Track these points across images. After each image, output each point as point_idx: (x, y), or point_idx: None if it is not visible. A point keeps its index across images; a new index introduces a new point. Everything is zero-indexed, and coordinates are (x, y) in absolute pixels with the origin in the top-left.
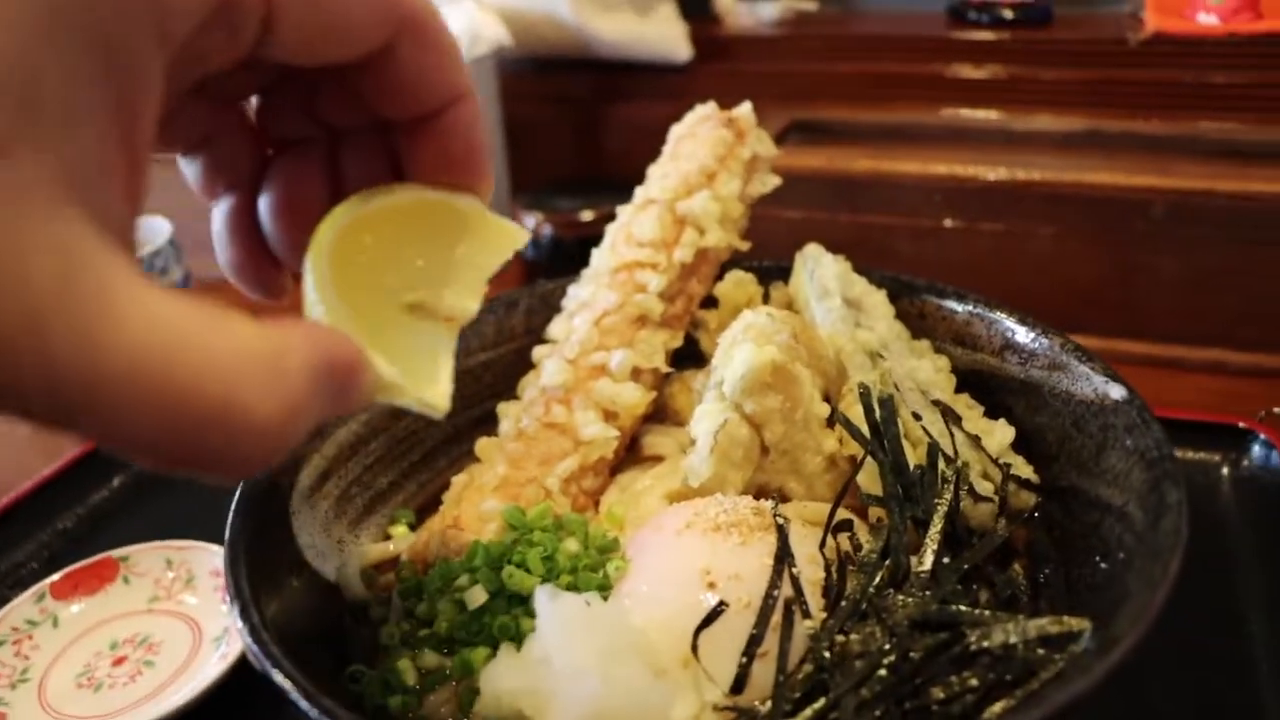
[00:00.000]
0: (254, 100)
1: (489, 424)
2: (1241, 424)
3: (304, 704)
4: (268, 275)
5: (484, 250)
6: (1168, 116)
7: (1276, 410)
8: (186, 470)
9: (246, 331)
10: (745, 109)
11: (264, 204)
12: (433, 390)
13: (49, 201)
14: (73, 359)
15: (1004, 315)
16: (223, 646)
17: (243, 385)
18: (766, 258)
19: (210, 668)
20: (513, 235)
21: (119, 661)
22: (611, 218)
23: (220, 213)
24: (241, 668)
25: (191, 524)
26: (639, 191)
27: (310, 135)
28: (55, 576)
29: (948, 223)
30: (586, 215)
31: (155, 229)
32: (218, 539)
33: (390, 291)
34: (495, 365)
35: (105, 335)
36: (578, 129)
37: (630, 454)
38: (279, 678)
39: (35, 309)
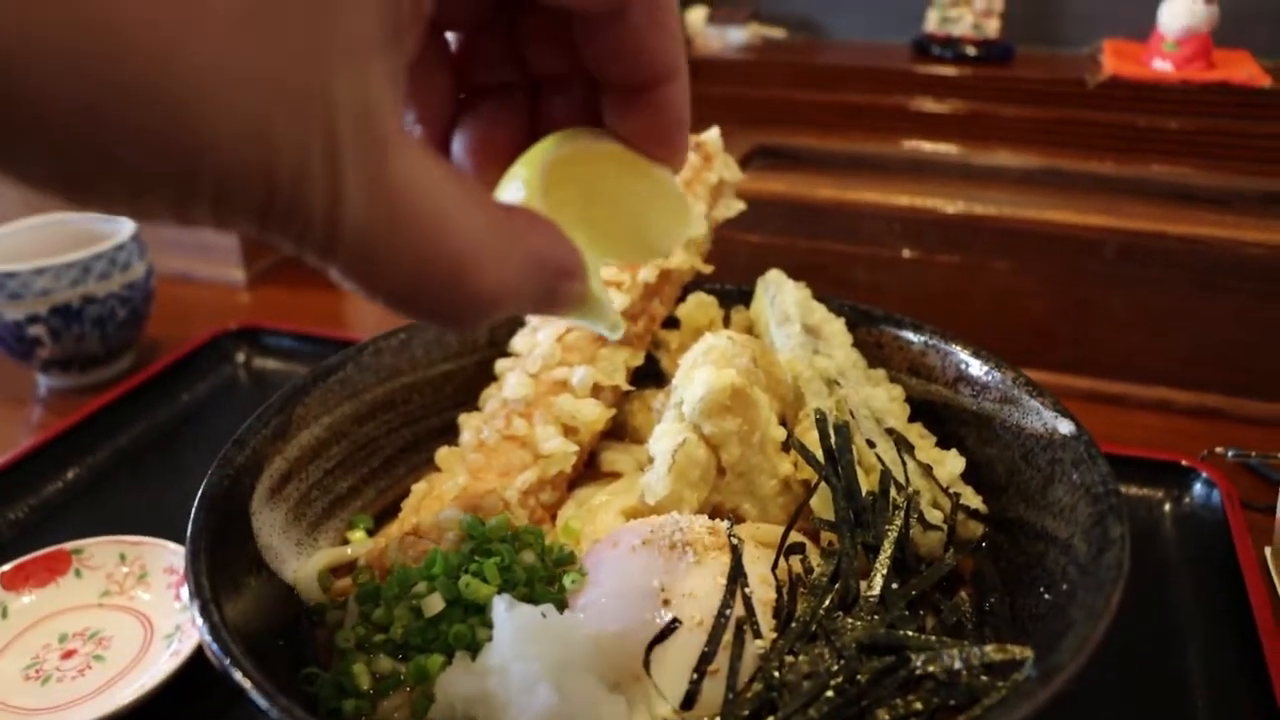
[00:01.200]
0: (455, 38)
1: (449, 434)
2: (1184, 462)
3: (263, 703)
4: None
5: (671, 218)
6: (1122, 158)
7: (1218, 450)
8: (410, 312)
9: (494, 211)
10: (713, 134)
11: (459, 145)
12: (616, 316)
13: (360, 52)
14: (357, 194)
15: (959, 348)
16: (175, 643)
17: (482, 257)
18: (726, 280)
19: (161, 664)
20: (695, 216)
21: (68, 655)
22: None
23: None
24: (192, 666)
25: (144, 520)
26: None
27: (509, 81)
28: (5, 567)
29: (905, 253)
30: None
31: (119, 223)
32: (170, 536)
33: (587, 223)
34: (457, 376)
35: (390, 182)
36: None
37: (588, 470)
38: (238, 676)
39: (335, 140)
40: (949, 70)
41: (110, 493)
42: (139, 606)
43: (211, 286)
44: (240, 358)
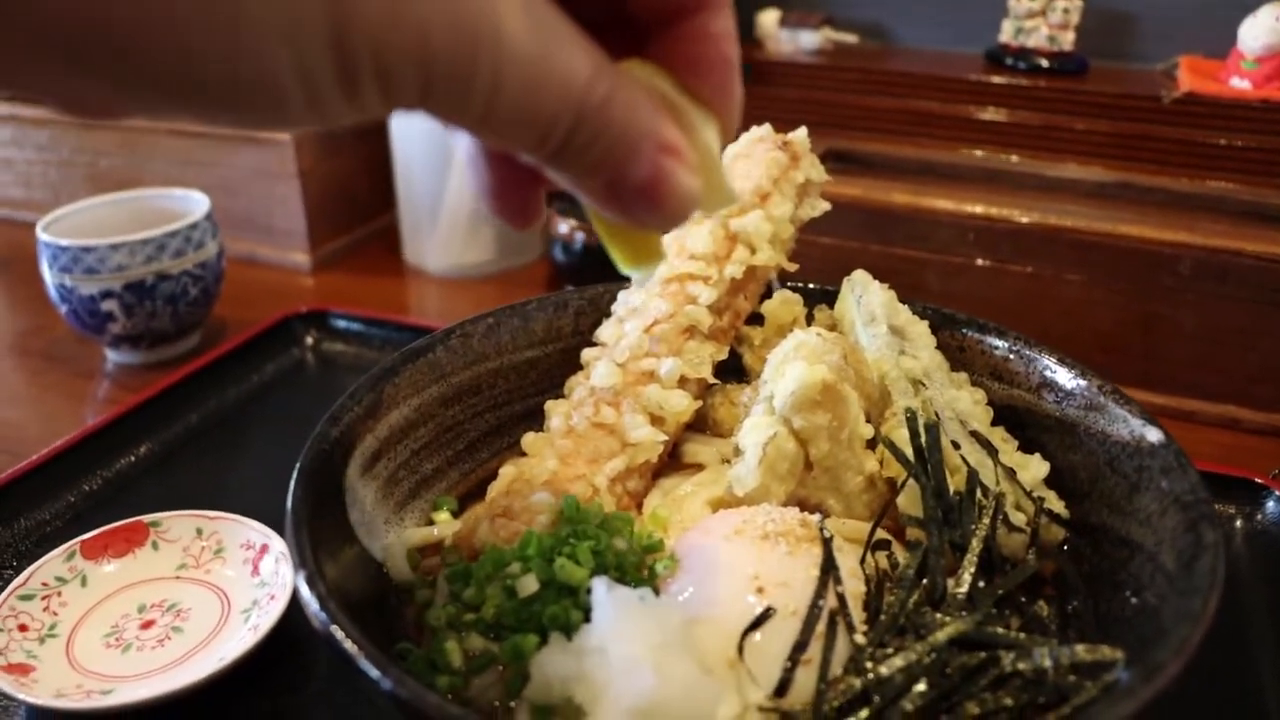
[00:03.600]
0: None
1: (532, 420)
2: (1256, 479)
3: (374, 673)
4: (523, 198)
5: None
6: (1196, 175)
7: None
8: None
9: (596, 55)
10: (801, 134)
11: None
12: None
13: None
14: (507, 26)
15: (1043, 354)
16: (253, 619)
17: (591, 90)
18: (798, 281)
19: (239, 639)
20: (727, 192)
21: (147, 625)
22: None
23: (468, 135)
24: (270, 642)
25: (213, 497)
26: None
27: None
28: (86, 536)
29: (978, 261)
30: None
31: (194, 202)
32: (238, 512)
33: None
34: (542, 363)
35: (525, 15)
36: None
37: (671, 461)
38: (348, 645)
39: None
40: (1021, 81)
41: (181, 468)
42: (216, 581)
43: (276, 269)
44: (308, 340)
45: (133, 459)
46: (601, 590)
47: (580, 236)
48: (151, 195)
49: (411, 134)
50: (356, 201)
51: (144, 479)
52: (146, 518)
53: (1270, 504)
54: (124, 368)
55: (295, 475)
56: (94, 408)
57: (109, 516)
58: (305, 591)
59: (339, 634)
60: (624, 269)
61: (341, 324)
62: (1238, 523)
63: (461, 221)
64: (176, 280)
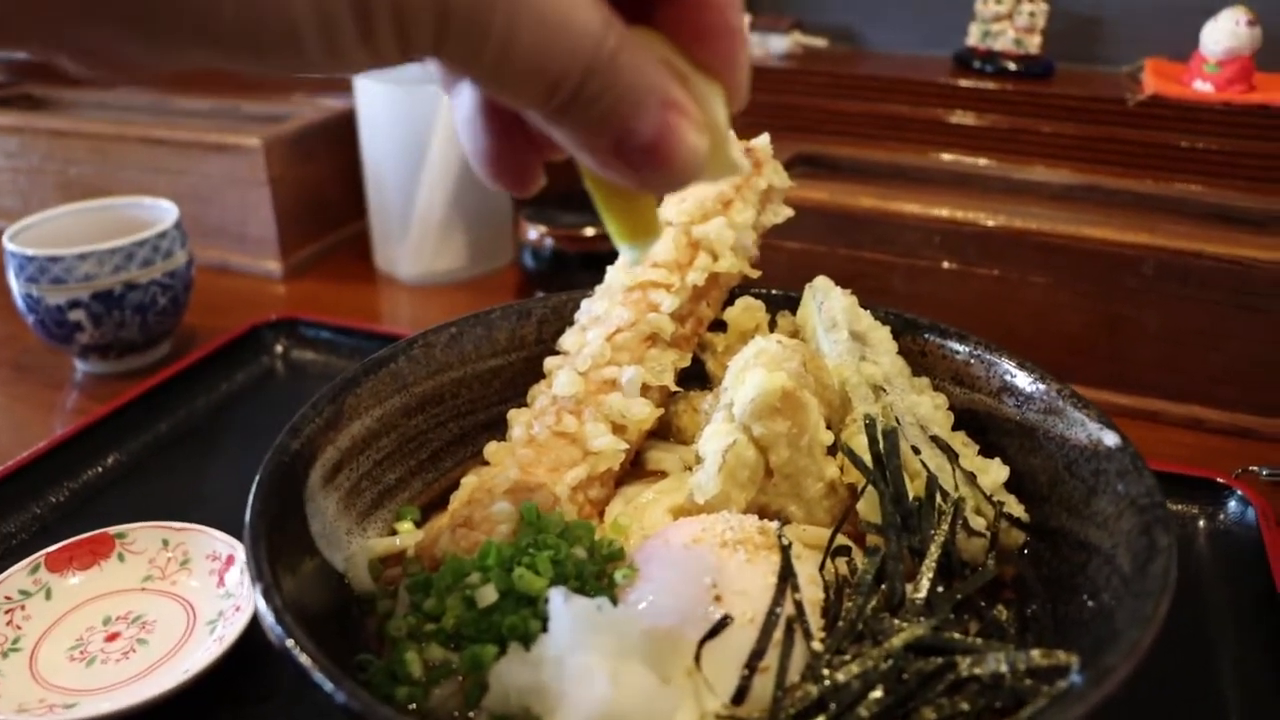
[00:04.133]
0: None
1: (495, 429)
2: (1219, 479)
3: (328, 686)
4: (521, 163)
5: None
6: (1161, 177)
7: (1253, 468)
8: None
9: (606, 10)
10: (763, 140)
11: None
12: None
13: None
14: None
15: (1003, 358)
16: (218, 630)
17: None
18: (764, 287)
19: (205, 650)
20: (737, 162)
21: (112, 638)
22: None
23: (468, 96)
24: (235, 653)
25: (182, 507)
26: None
27: None
28: (51, 548)
29: (944, 264)
30: (589, 231)
31: (163, 211)
32: (207, 523)
33: None
34: (505, 372)
35: None
36: None
37: (634, 469)
38: (303, 659)
39: None
40: (989, 84)
41: (149, 479)
42: (182, 592)
43: (247, 277)
44: (278, 349)
45: (100, 470)
46: (559, 600)
47: (550, 243)
48: (120, 204)
49: (382, 140)
50: (328, 208)
51: (112, 490)
52: (112, 529)
53: (1232, 503)
54: (94, 378)
55: (254, 487)
56: (63, 418)
57: (76, 528)
58: (262, 604)
59: (294, 647)
60: (621, 244)
61: (311, 332)
62: (1200, 523)
63: (433, 228)
64: (145, 290)
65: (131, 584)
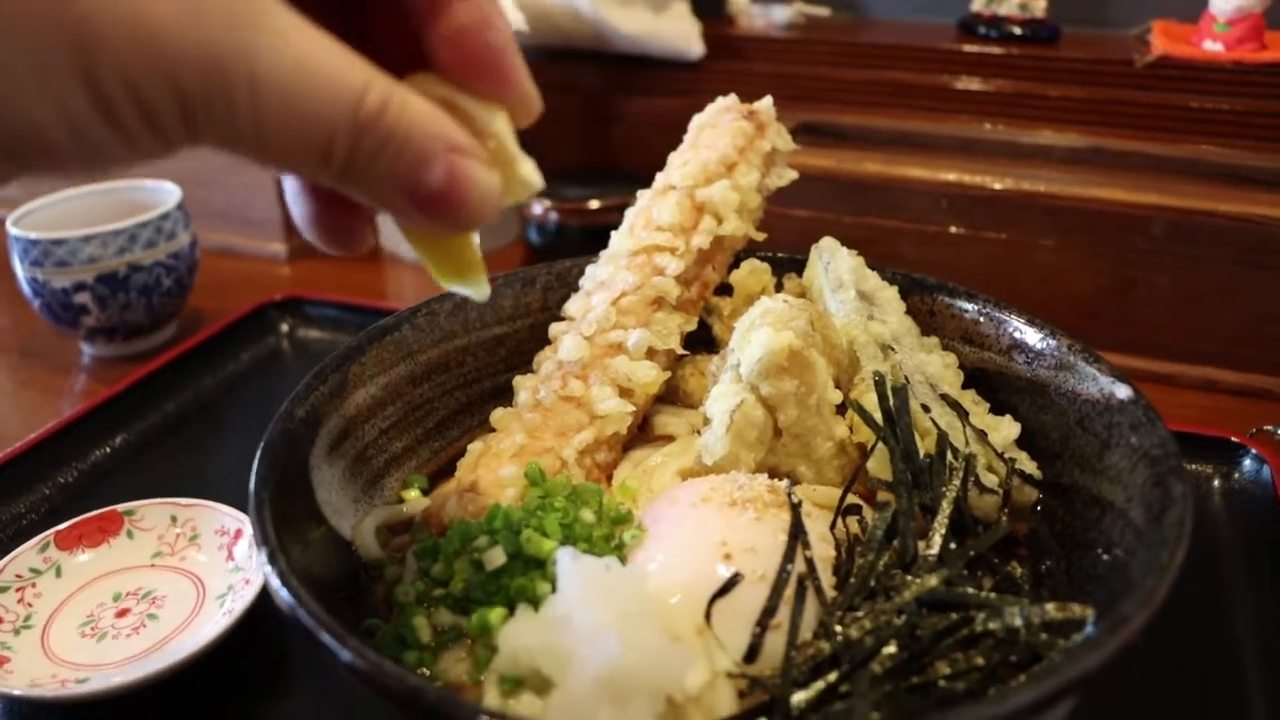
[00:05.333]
0: None
1: (502, 397)
2: (1234, 438)
3: (334, 646)
4: (344, 226)
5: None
6: (1170, 139)
7: (1268, 428)
8: (283, 162)
9: (368, 69)
10: (766, 103)
11: None
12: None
13: None
14: (262, 55)
15: (1012, 315)
16: (227, 603)
17: (363, 101)
18: (768, 251)
19: (214, 624)
20: (527, 185)
21: (122, 613)
22: (618, 207)
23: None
24: (244, 626)
25: (190, 485)
26: (659, 177)
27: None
28: (60, 526)
29: (952, 229)
30: (593, 204)
31: (166, 193)
32: (217, 500)
33: None
34: (510, 339)
35: (283, 43)
36: (587, 119)
37: (641, 433)
38: (308, 620)
39: (239, 14)
40: (994, 49)
41: (157, 458)
42: (191, 567)
43: (253, 259)
44: (284, 328)
45: (109, 450)
46: (566, 560)
47: (554, 217)
48: (122, 188)
49: None
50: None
51: (120, 470)
52: (120, 507)
53: (1247, 462)
54: (101, 361)
55: (259, 455)
56: (71, 401)
57: (85, 508)
58: (267, 568)
59: (299, 609)
60: (447, 284)
61: (316, 311)
62: (1215, 482)
63: None
64: (149, 271)
65: (141, 560)
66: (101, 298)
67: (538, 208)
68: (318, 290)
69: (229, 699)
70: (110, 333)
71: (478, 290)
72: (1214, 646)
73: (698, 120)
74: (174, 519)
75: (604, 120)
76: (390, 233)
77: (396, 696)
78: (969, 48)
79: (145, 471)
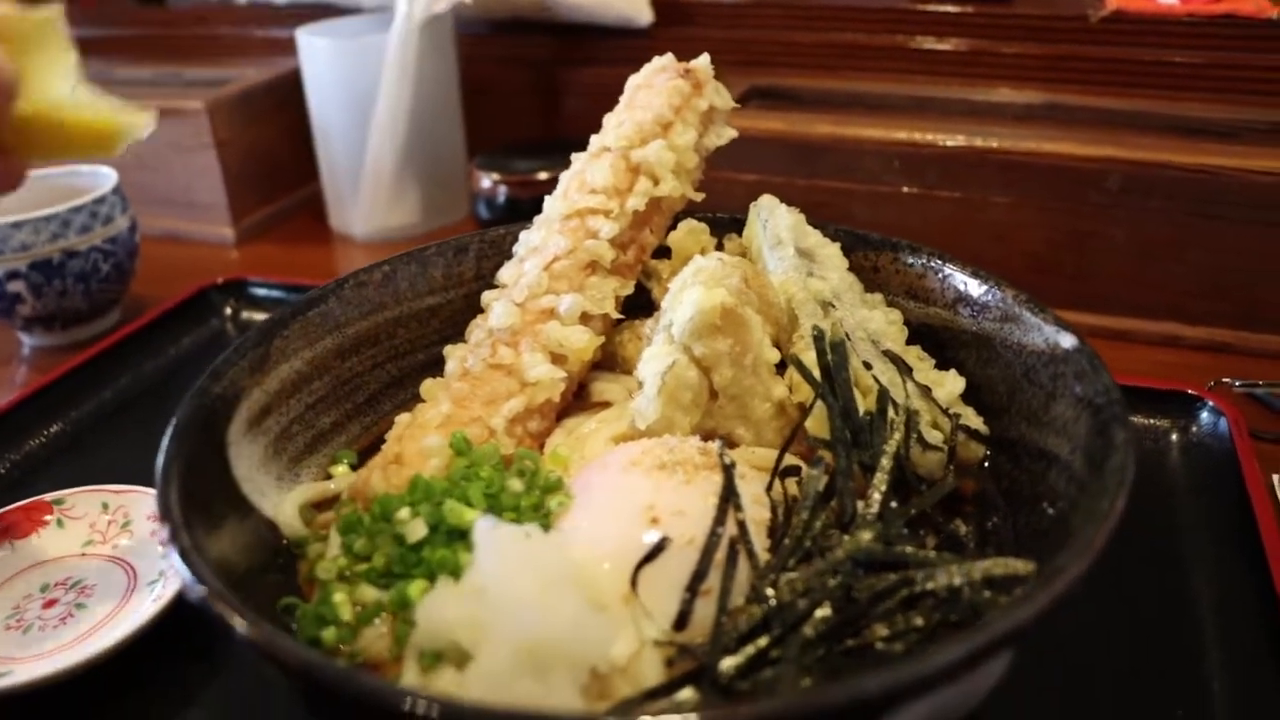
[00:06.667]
0: None
1: (435, 369)
2: (1191, 391)
3: (229, 617)
4: None
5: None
6: (1126, 93)
7: (1225, 380)
8: None
9: None
10: (703, 61)
11: None
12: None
13: None
14: None
15: (957, 269)
16: (157, 589)
17: None
18: (709, 211)
19: (144, 610)
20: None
21: (50, 604)
22: None
23: None
24: (175, 610)
25: (129, 473)
26: (594, 139)
27: None
28: None
29: (905, 189)
30: (542, 176)
31: (101, 177)
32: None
33: None
34: (443, 310)
35: None
36: (536, 91)
37: (579, 401)
38: (204, 594)
39: None
40: (948, 8)
41: (95, 446)
42: (122, 554)
43: (200, 245)
44: (227, 310)
45: (43, 440)
46: (484, 529)
47: (503, 190)
48: (56, 173)
49: (328, 96)
50: (279, 171)
51: (56, 460)
52: (49, 496)
53: (1205, 415)
54: (41, 351)
55: (168, 433)
56: (10, 392)
57: (18, 499)
58: (169, 545)
59: (197, 584)
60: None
61: (261, 292)
62: (1173, 436)
63: (385, 184)
64: (86, 257)
65: (71, 549)
66: (36, 285)
67: (486, 181)
68: (267, 273)
69: (161, 687)
70: (48, 321)
71: (128, 135)
72: (1172, 600)
73: (633, 81)
74: (106, 506)
75: (553, 91)
76: (338, 212)
77: (292, 671)
78: (922, 6)
79: (81, 460)
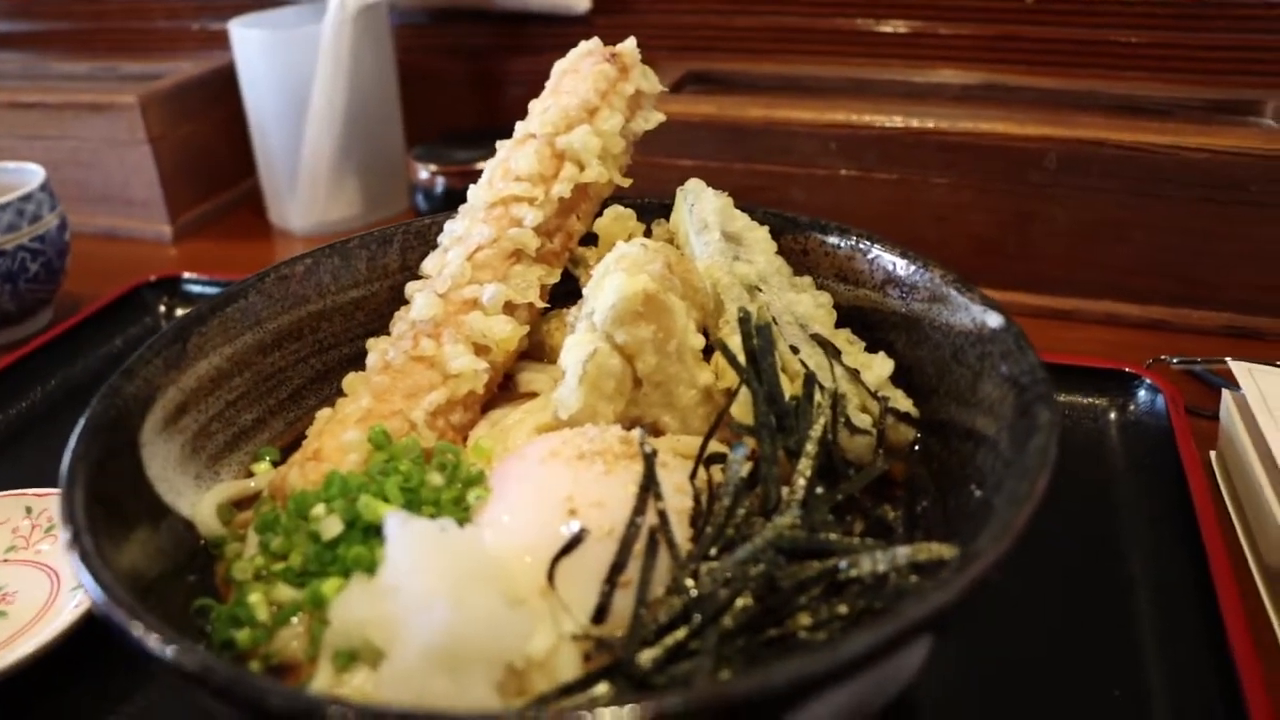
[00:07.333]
0: None
1: (361, 363)
2: (1128, 369)
3: (130, 627)
4: None
5: None
6: (1063, 73)
7: (1164, 358)
8: None
9: None
10: (629, 44)
11: None
12: None
13: None
14: None
15: (885, 250)
16: (79, 595)
17: None
18: (639, 198)
19: (64, 616)
20: None
21: None
22: None
23: None
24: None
25: (56, 477)
26: (519, 126)
27: None
28: None
29: (843, 171)
30: (480, 166)
31: (28, 174)
32: None
33: None
34: (368, 303)
35: None
36: (474, 80)
37: (506, 391)
38: (105, 602)
39: None
40: None
41: (23, 450)
42: (46, 560)
43: (138, 242)
44: (161, 309)
45: None
46: (395, 524)
47: (441, 181)
48: None
49: (262, 89)
50: (216, 166)
51: None
52: None
53: (1142, 393)
54: None
55: (76, 433)
56: None
57: None
58: (71, 550)
59: (98, 590)
60: None
61: (195, 289)
62: (1112, 415)
63: (322, 177)
64: (12, 256)
65: None
66: None
67: (423, 173)
68: (205, 270)
69: (84, 693)
70: None
71: None
72: (1109, 580)
73: (559, 65)
74: (29, 510)
75: (493, 80)
76: (276, 207)
77: (189, 677)
78: None
79: (9, 464)
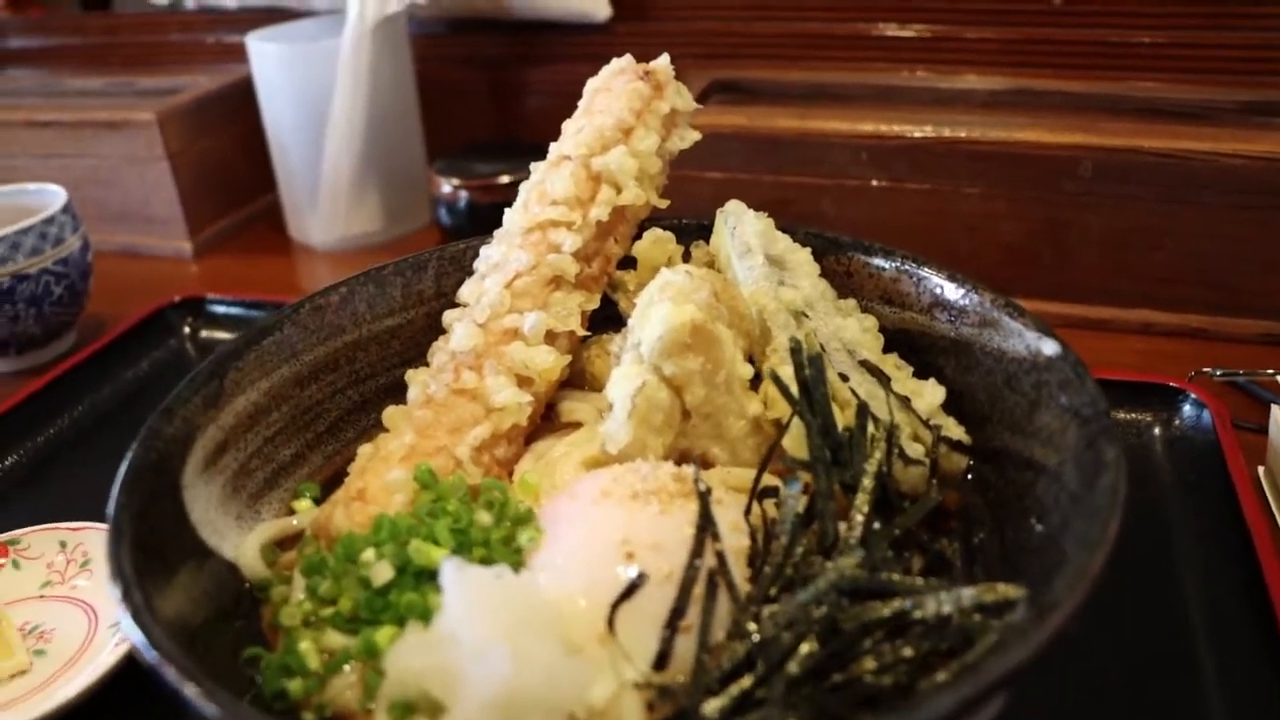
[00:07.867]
0: None
1: (399, 393)
2: (1172, 383)
3: (185, 688)
4: None
5: None
6: (1093, 76)
7: (1206, 370)
8: None
9: None
10: (663, 61)
11: None
12: None
13: None
14: None
15: (932, 272)
16: (118, 633)
17: None
18: (677, 218)
19: (105, 656)
20: None
21: None
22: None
23: None
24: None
25: (89, 507)
26: (553, 148)
27: None
28: None
29: (874, 182)
30: (504, 179)
31: (50, 195)
32: None
33: None
34: (403, 331)
35: None
36: (494, 91)
37: (547, 421)
38: (159, 661)
39: None
40: None
41: (51, 480)
42: (82, 595)
43: (159, 259)
44: (185, 330)
45: None
46: (450, 571)
47: (464, 195)
48: (3, 192)
49: (281, 103)
50: (236, 181)
51: (12, 495)
52: (4, 535)
53: (1187, 408)
54: None
55: (117, 482)
56: None
57: None
58: (120, 606)
59: (149, 648)
60: None
61: (220, 309)
62: (1156, 430)
63: (343, 191)
64: (37, 280)
65: (29, 592)
66: None
67: (446, 187)
68: (227, 286)
69: None
70: (2, 347)
71: None
72: (1159, 600)
73: (592, 84)
74: (63, 545)
75: (512, 91)
76: (297, 222)
77: None
78: None
79: (38, 495)
